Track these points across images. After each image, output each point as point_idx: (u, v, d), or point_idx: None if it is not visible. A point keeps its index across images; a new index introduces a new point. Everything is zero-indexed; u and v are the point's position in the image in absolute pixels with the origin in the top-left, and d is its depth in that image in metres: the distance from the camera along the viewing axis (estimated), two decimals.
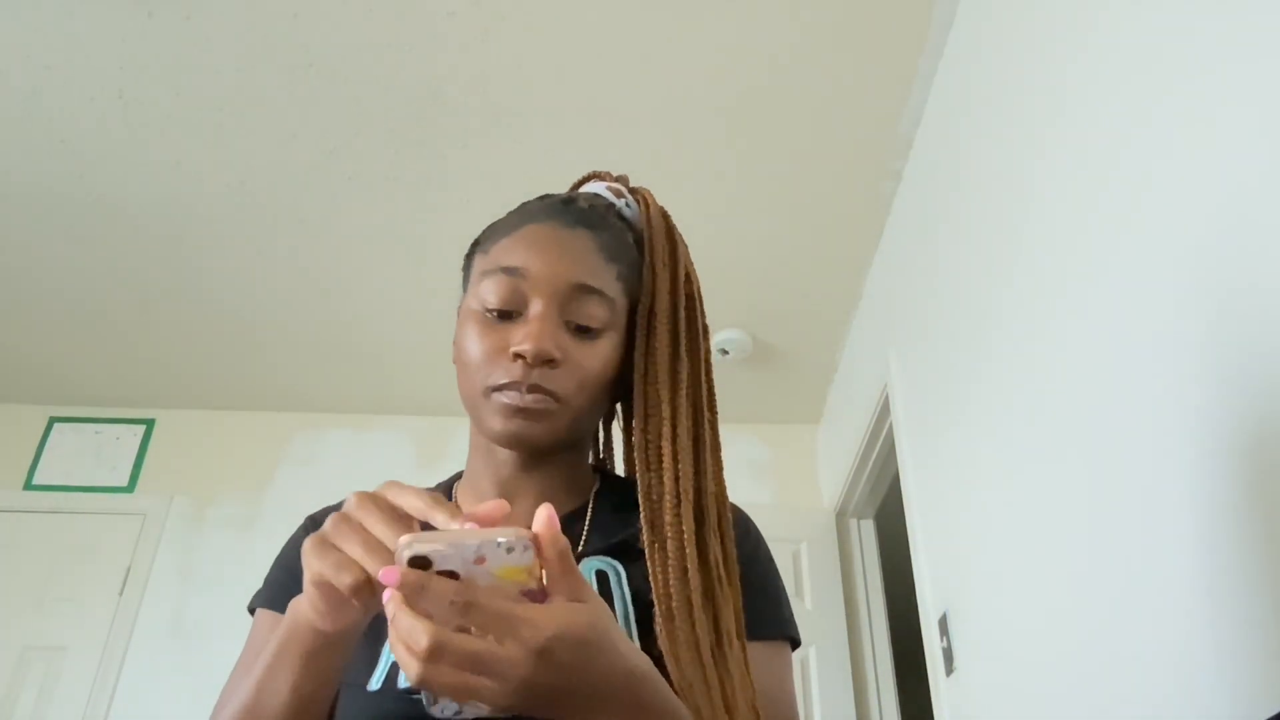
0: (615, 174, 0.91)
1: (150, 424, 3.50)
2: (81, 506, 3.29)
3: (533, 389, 0.72)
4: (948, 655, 2.00)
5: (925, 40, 2.02)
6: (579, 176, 0.93)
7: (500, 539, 0.49)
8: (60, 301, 2.93)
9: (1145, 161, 1.21)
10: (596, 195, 0.88)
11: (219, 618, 3.06)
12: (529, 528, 0.77)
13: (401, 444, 3.48)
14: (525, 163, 2.33)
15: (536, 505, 0.77)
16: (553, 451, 0.78)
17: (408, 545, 0.48)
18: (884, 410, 2.52)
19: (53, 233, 2.64)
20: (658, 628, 0.69)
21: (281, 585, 0.81)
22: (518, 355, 0.72)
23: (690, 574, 0.71)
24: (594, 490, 0.83)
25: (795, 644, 0.81)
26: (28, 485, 3.35)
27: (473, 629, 0.48)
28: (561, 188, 0.92)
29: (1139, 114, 1.23)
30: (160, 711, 2.92)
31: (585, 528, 0.79)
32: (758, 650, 0.74)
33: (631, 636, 0.69)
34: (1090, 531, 1.34)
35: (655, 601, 0.70)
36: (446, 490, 0.85)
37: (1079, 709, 1.36)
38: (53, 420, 3.48)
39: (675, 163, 2.34)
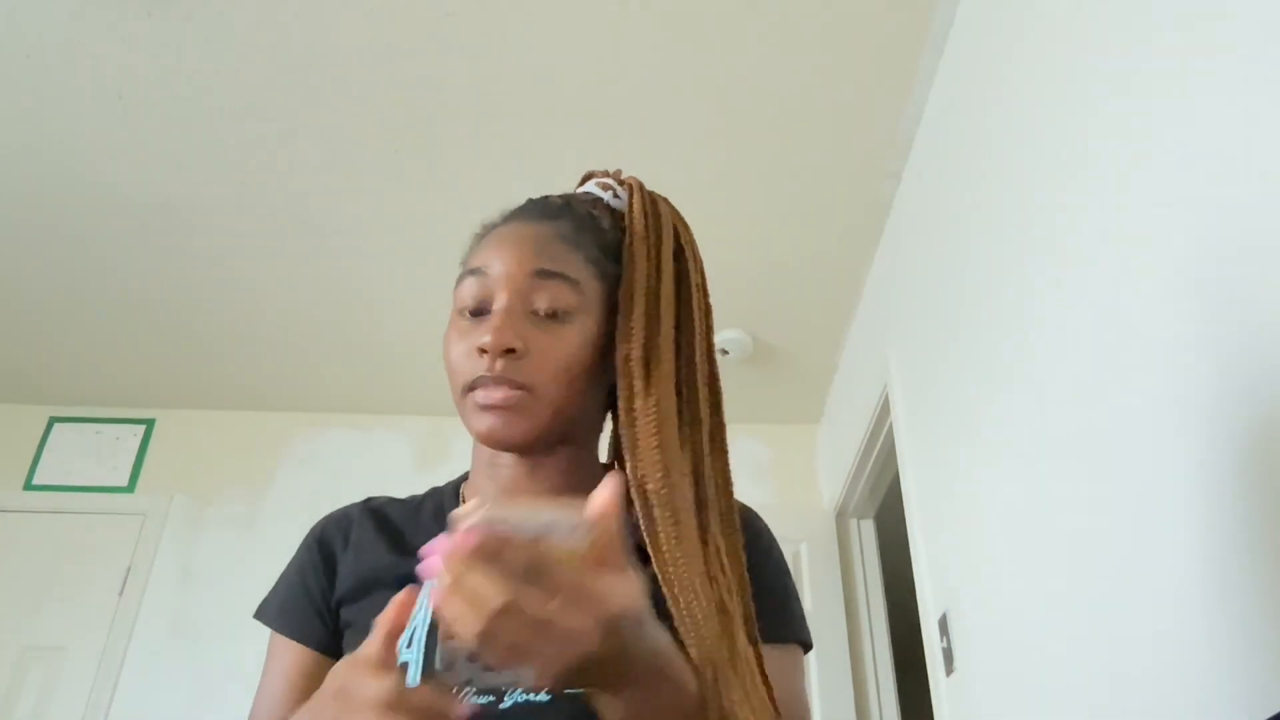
0: (611, 170, 0.91)
1: (150, 424, 3.49)
2: (81, 506, 3.29)
3: (499, 380, 0.72)
4: (948, 655, 2.00)
5: (925, 40, 2.02)
6: (578, 176, 0.93)
7: (565, 520, 0.48)
8: (60, 301, 2.93)
9: (1145, 160, 1.21)
10: (586, 192, 0.88)
11: (219, 618, 3.06)
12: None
13: (401, 444, 3.48)
14: (525, 163, 2.33)
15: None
16: (545, 448, 0.77)
17: (470, 514, 0.47)
18: (884, 410, 2.52)
19: (52, 233, 2.64)
20: (673, 613, 0.67)
21: (295, 604, 0.80)
22: (482, 350, 0.73)
23: (688, 560, 0.69)
24: None
25: (807, 647, 0.80)
26: (28, 485, 3.35)
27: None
28: (560, 187, 0.93)
29: (1139, 113, 1.23)
30: (160, 711, 2.92)
31: None
32: (770, 653, 0.73)
33: None
34: (1091, 531, 1.34)
35: (666, 588, 0.68)
36: (454, 490, 0.85)
37: (1079, 709, 1.36)
38: (53, 420, 3.48)
39: (675, 163, 2.34)
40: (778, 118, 2.22)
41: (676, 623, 0.66)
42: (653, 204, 0.85)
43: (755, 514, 0.84)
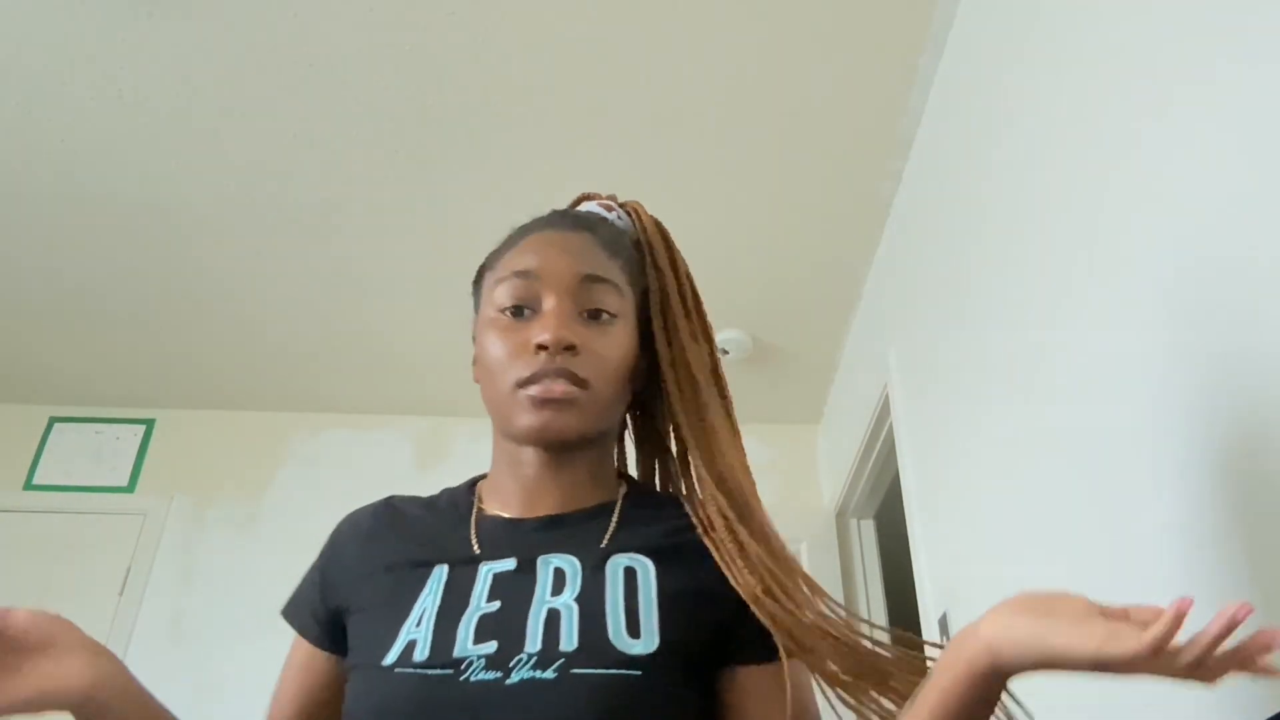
0: (606, 193, 0.97)
1: (150, 424, 3.50)
2: (81, 506, 3.29)
3: (560, 373, 0.75)
4: None
5: (925, 40, 2.02)
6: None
7: None
8: (60, 301, 2.93)
9: (1144, 162, 1.21)
10: (591, 211, 0.92)
11: (219, 618, 3.06)
12: (552, 519, 0.80)
13: (401, 444, 3.48)
14: (525, 163, 2.33)
15: (560, 502, 0.81)
16: (578, 446, 0.80)
17: None
18: (884, 410, 2.52)
19: (52, 233, 2.64)
20: (758, 608, 0.71)
21: (306, 603, 0.84)
22: (540, 346, 0.75)
23: (747, 544, 0.73)
24: (622, 492, 0.85)
25: None
26: (28, 485, 3.35)
27: None
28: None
29: (1138, 114, 1.23)
30: None
31: (613, 522, 0.80)
32: (781, 666, 0.76)
33: (653, 630, 0.71)
34: (1090, 531, 1.34)
35: (736, 581, 0.72)
36: (469, 486, 0.88)
37: (1079, 709, 1.36)
38: (53, 420, 3.48)
39: (675, 163, 2.34)
40: (778, 118, 2.22)
41: (777, 606, 0.71)
42: (658, 224, 0.90)
43: None
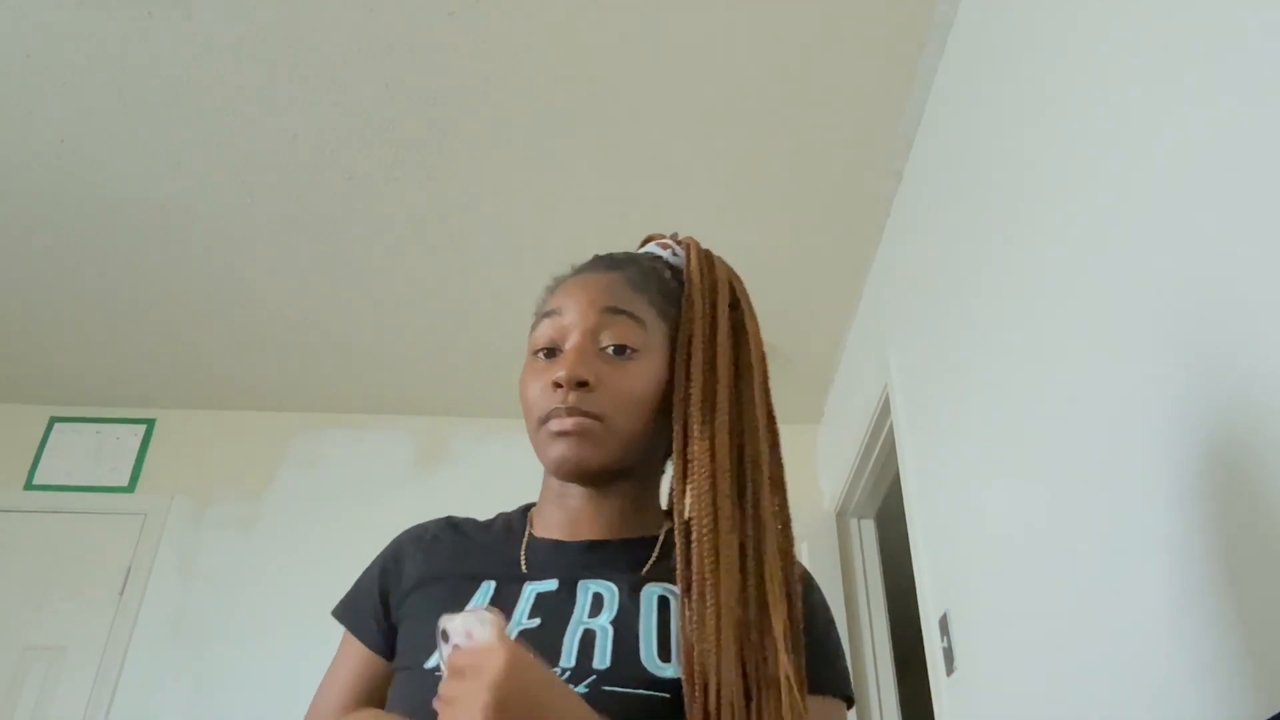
0: (668, 233, 0.99)
1: (150, 424, 3.49)
2: (81, 506, 3.29)
3: (571, 411, 0.77)
4: (948, 655, 2.00)
5: (925, 40, 2.03)
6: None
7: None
8: (60, 301, 2.93)
9: (1145, 160, 1.21)
10: (646, 251, 0.96)
11: (219, 618, 3.06)
12: (596, 544, 0.82)
13: (401, 444, 3.47)
14: (525, 163, 2.33)
15: (603, 530, 0.84)
16: (612, 478, 0.82)
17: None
18: (884, 410, 2.52)
19: (53, 233, 2.64)
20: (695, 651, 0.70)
21: (365, 606, 0.87)
22: (556, 383, 0.78)
23: (725, 597, 0.72)
24: (665, 528, 0.86)
25: (850, 702, 0.83)
26: (28, 485, 3.35)
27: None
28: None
29: (1140, 113, 1.23)
30: (160, 711, 2.92)
31: (654, 555, 0.82)
32: (814, 704, 0.76)
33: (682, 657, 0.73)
34: (1090, 530, 1.34)
35: (682, 625, 0.72)
36: (522, 512, 0.91)
37: (1079, 709, 1.36)
38: (53, 420, 3.48)
39: (675, 162, 2.34)
40: (778, 118, 2.22)
41: (696, 659, 0.69)
42: (708, 258, 0.91)
43: (805, 569, 0.89)
